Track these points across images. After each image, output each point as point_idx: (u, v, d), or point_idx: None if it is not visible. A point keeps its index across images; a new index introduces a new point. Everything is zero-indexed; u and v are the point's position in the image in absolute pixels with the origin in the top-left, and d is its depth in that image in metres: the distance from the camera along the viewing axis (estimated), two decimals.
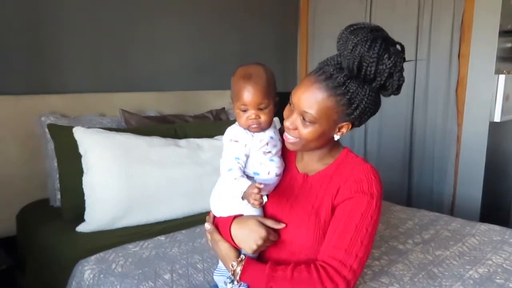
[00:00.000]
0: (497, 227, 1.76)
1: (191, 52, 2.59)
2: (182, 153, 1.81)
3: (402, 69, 0.92)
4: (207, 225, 1.10)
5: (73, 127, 1.72)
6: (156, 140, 1.79)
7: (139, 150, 1.72)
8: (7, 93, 1.87)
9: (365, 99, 0.93)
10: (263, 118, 1.01)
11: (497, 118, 2.50)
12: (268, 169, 1.03)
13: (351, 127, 1.00)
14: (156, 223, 1.71)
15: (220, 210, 1.09)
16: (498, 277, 1.33)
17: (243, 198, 0.92)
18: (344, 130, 0.99)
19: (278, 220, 1.02)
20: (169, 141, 1.84)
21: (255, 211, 1.03)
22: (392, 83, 0.92)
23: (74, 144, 1.68)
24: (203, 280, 1.31)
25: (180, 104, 2.44)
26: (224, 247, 1.03)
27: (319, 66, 0.98)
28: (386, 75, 0.90)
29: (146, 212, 1.69)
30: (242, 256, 1.00)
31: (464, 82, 2.55)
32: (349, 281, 0.91)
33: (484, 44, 2.44)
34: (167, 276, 1.32)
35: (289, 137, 1.00)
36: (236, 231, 1.01)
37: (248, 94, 0.99)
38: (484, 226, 1.76)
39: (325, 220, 0.98)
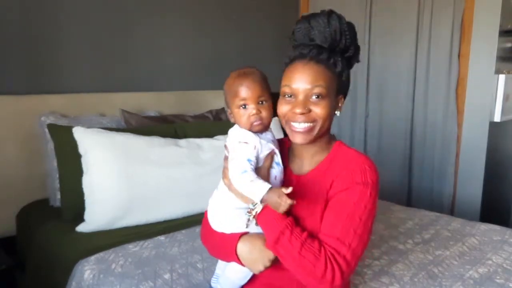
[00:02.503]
0: (497, 227, 1.76)
1: (191, 52, 2.59)
2: (182, 153, 1.81)
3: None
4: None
5: (73, 127, 1.72)
6: (156, 140, 1.79)
7: (139, 150, 1.72)
8: (7, 93, 1.87)
9: (346, 69, 1.01)
10: (264, 113, 0.99)
11: (497, 118, 2.50)
12: (275, 173, 1.00)
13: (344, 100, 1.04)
14: (156, 223, 1.71)
15: (221, 225, 1.03)
16: (498, 277, 1.33)
17: (262, 201, 0.87)
18: (340, 104, 1.02)
19: None
20: (169, 141, 1.84)
21: (258, 228, 0.97)
22: (357, 50, 1.01)
23: (74, 144, 1.68)
24: (203, 280, 1.31)
25: (180, 104, 2.44)
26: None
27: (293, 55, 0.99)
28: (355, 42, 1.00)
29: (146, 212, 1.69)
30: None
31: (464, 82, 2.55)
32: (344, 272, 0.88)
33: (484, 44, 2.44)
34: (167, 276, 1.32)
35: (302, 126, 0.96)
36: (244, 251, 0.97)
37: (247, 88, 0.97)
38: (484, 226, 1.76)
39: (321, 218, 0.96)
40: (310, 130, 0.96)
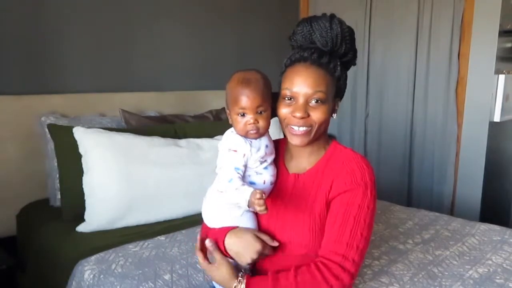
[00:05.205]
0: (497, 227, 1.76)
1: (191, 52, 2.59)
2: (182, 153, 1.81)
3: None
4: (208, 242, 1.02)
5: (73, 127, 1.72)
6: (156, 140, 1.79)
7: (139, 150, 1.72)
8: (7, 93, 1.87)
9: (344, 73, 1.02)
10: (261, 123, 1.01)
11: (497, 118, 2.50)
12: (264, 178, 1.03)
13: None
14: (156, 223, 1.71)
15: (214, 220, 1.06)
16: (498, 277, 1.33)
17: (249, 206, 0.89)
18: (336, 106, 1.04)
19: (273, 223, 1.03)
20: (169, 141, 1.84)
21: (250, 223, 1.03)
22: (355, 54, 1.04)
23: (74, 144, 1.68)
24: (202, 280, 1.31)
25: (180, 104, 2.44)
26: (226, 267, 0.98)
27: (294, 57, 0.99)
28: (354, 47, 1.02)
29: (146, 212, 1.69)
30: (241, 274, 0.97)
31: (464, 81, 2.55)
32: (353, 274, 0.93)
33: (484, 44, 2.44)
34: (167, 277, 1.32)
35: (300, 129, 0.98)
36: (232, 243, 0.99)
37: (247, 98, 0.98)
38: (484, 226, 1.76)
39: (320, 216, 0.99)
40: (307, 133, 0.99)
